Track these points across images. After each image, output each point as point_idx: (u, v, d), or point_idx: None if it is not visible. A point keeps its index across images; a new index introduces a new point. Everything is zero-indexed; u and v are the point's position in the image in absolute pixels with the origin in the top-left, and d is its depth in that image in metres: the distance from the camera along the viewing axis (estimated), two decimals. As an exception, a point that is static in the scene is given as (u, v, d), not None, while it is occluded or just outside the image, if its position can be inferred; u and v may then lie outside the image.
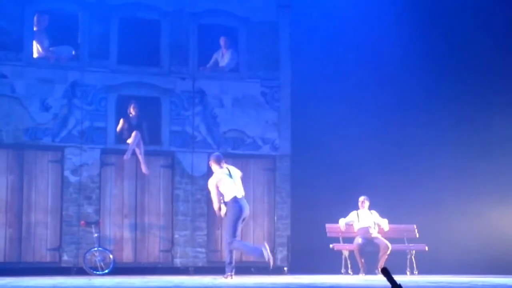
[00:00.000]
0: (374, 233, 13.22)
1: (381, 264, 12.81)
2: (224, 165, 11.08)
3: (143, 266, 13.54)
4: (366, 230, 13.19)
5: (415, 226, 13.79)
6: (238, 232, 10.77)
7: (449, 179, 15.03)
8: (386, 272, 5.20)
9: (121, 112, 13.63)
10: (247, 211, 10.90)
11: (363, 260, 13.03)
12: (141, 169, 13.31)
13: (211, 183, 10.88)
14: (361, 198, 13.50)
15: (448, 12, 15.51)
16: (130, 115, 13.47)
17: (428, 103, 15.51)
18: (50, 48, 13.31)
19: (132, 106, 13.44)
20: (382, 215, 13.62)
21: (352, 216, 13.43)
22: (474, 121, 15.25)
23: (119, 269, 12.93)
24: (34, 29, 13.40)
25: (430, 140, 15.27)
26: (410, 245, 13.52)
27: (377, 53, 15.40)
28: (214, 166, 11.10)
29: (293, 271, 13.81)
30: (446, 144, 15.24)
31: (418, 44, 15.35)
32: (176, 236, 13.72)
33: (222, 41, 14.08)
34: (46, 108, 13.33)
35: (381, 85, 15.32)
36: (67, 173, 13.28)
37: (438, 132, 15.33)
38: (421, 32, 15.39)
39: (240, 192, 10.85)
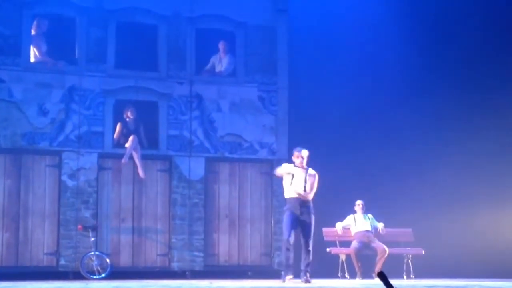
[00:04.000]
0: (371, 236, 13.22)
1: (378, 268, 12.82)
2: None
3: (140, 270, 13.60)
4: (363, 233, 13.19)
5: (411, 230, 13.78)
6: None
7: (445, 183, 15.05)
8: (382, 276, 5.22)
9: (119, 116, 13.65)
10: None
11: (359, 264, 12.99)
12: (138, 173, 13.34)
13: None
14: (358, 202, 13.50)
15: (446, 14, 15.60)
16: (127, 119, 13.51)
17: (426, 110, 15.56)
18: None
19: (129, 111, 13.44)
20: (379, 218, 13.61)
21: (349, 220, 13.41)
22: (470, 127, 15.25)
23: (116, 273, 12.95)
24: (32, 33, 13.40)
25: (426, 144, 15.30)
26: (407, 249, 13.50)
27: (374, 56, 15.43)
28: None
29: (290, 275, 13.78)
30: (441, 148, 15.27)
31: (417, 46, 15.43)
32: (173, 240, 13.78)
33: (221, 45, 14.10)
34: (43, 112, 13.38)
35: (378, 89, 15.35)
36: (64, 177, 13.35)
37: (433, 137, 15.41)
38: (419, 36, 15.47)
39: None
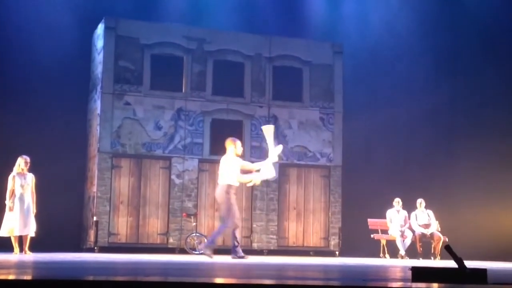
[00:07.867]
0: (432, 228, 14.00)
1: (437, 250, 13.57)
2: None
3: (229, 247, 12.42)
4: (424, 225, 14.00)
5: (437, 223, 14.14)
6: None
7: (465, 186, 15.37)
8: (449, 248, 5.20)
9: (215, 131, 14.12)
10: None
11: (421, 248, 13.75)
12: None
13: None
14: (419, 200, 14.12)
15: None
16: None
17: (460, 116, 15.78)
18: None
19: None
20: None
21: (412, 216, 14.17)
22: (497, 127, 15.32)
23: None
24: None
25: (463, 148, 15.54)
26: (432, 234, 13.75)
27: (410, 84, 15.96)
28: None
29: (342, 254, 14.63)
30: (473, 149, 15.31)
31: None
32: (254, 225, 14.36)
33: None
34: (158, 127, 14.07)
35: (410, 107, 15.76)
36: (173, 176, 14.10)
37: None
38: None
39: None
